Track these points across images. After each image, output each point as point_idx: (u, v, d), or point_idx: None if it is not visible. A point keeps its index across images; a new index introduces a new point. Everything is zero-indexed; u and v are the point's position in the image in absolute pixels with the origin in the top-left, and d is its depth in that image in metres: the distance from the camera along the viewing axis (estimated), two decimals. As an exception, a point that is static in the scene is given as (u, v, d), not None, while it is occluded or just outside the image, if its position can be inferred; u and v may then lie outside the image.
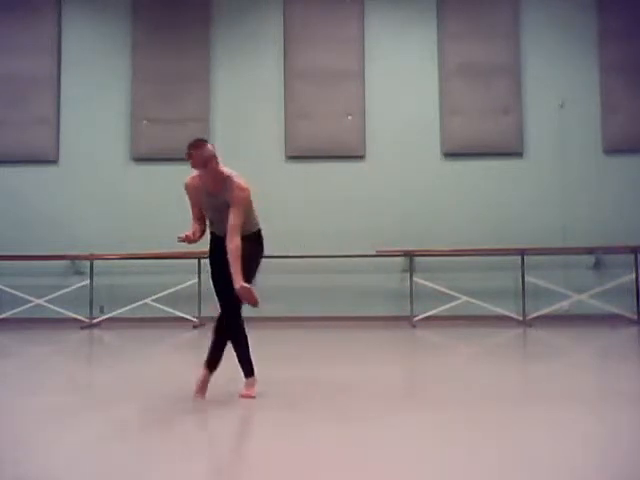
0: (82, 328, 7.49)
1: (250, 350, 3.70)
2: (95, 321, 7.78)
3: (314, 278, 8.05)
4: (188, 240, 3.55)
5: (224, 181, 3.46)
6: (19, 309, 7.81)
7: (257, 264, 3.63)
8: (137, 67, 8.41)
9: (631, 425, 2.98)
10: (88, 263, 8.01)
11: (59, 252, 7.90)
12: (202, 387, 3.53)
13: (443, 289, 7.68)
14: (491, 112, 8.16)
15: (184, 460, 2.51)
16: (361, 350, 5.74)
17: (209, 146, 3.46)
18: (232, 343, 3.65)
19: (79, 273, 8.15)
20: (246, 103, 8.37)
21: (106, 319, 7.82)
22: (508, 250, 7.64)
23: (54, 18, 8.49)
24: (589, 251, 7.73)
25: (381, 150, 8.24)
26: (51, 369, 4.74)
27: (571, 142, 8.14)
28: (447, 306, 7.60)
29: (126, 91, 8.42)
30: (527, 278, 7.61)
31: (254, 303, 3.34)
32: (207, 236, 3.73)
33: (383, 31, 8.35)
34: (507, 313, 7.63)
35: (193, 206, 3.65)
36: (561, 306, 7.64)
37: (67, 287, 7.95)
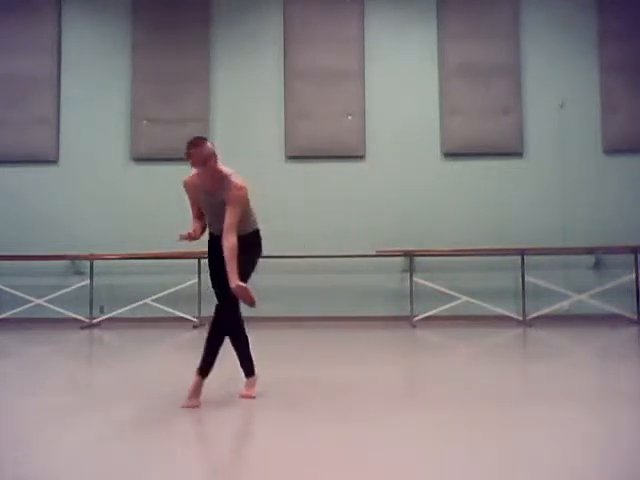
0: (82, 328, 7.49)
1: (250, 349, 3.69)
2: (95, 321, 7.78)
3: (314, 278, 8.05)
4: (189, 237, 3.55)
5: (222, 180, 3.45)
6: (19, 309, 7.81)
7: (254, 264, 3.61)
8: (137, 67, 8.41)
9: (631, 425, 2.98)
10: (88, 263, 8.01)
11: (59, 252, 7.90)
12: (195, 394, 3.41)
13: (443, 289, 7.68)
14: (491, 112, 8.16)
15: (184, 460, 2.52)
16: (361, 350, 5.74)
17: (208, 144, 3.44)
18: (232, 342, 3.64)
19: (79, 273, 8.15)
20: (246, 103, 8.37)
21: (106, 319, 7.83)
22: (508, 250, 7.64)
23: (54, 18, 8.49)
24: (589, 251, 7.73)
25: (381, 150, 8.24)
26: (51, 369, 4.74)
27: (571, 142, 8.14)
28: (447, 306, 7.60)
29: (126, 91, 8.42)
30: (527, 278, 7.61)
31: (251, 302, 3.32)
32: (206, 235, 3.73)
33: (383, 31, 8.36)
34: (507, 313, 7.63)
35: (193, 204, 3.64)
36: (561, 306, 7.64)
37: (67, 287, 7.96)
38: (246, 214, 3.52)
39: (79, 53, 8.51)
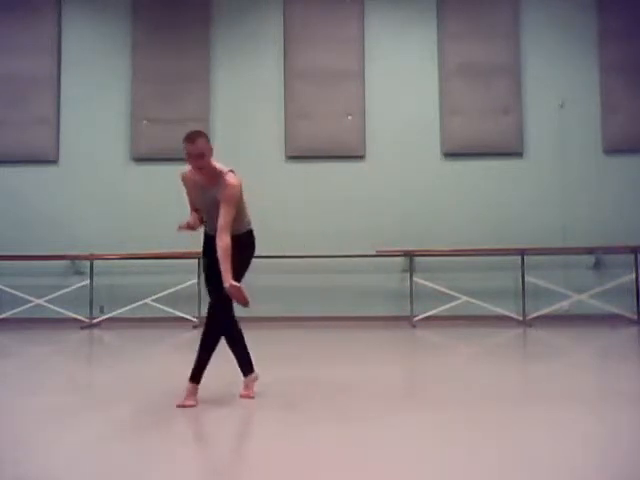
0: (82, 328, 7.49)
1: (246, 346, 3.69)
2: (95, 321, 7.78)
3: (314, 278, 8.05)
4: (188, 227, 3.56)
5: (218, 177, 3.45)
6: (19, 309, 7.81)
7: (247, 265, 3.59)
8: (137, 67, 8.41)
9: (631, 425, 2.98)
10: (88, 263, 8.01)
11: (59, 252, 7.90)
12: (190, 397, 3.40)
13: (443, 289, 7.68)
14: (491, 112, 8.16)
15: (184, 460, 2.52)
16: (361, 350, 5.74)
17: (205, 138, 3.44)
18: (227, 342, 3.64)
19: (79, 273, 8.15)
20: (246, 103, 8.37)
21: (106, 319, 7.83)
22: (508, 250, 7.64)
23: (54, 18, 8.49)
24: (589, 251, 7.74)
25: (381, 150, 8.24)
26: (51, 369, 4.74)
27: (571, 142, 8.14)
28: (447, 306, 7.60)
29: (126, 91, 8.42)
30: (527, 278, 7.61)
31: (244, 302, 3.31)
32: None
33: (383, 31, 8.35)
34: (507, 313, 7.63)
35: (190, 197, 3.65)
36: (561, 306, 7.65)
37: (67, 287, 7.95)
38: (240, 212, 3.50)
39: (79, 53, 8.51)
